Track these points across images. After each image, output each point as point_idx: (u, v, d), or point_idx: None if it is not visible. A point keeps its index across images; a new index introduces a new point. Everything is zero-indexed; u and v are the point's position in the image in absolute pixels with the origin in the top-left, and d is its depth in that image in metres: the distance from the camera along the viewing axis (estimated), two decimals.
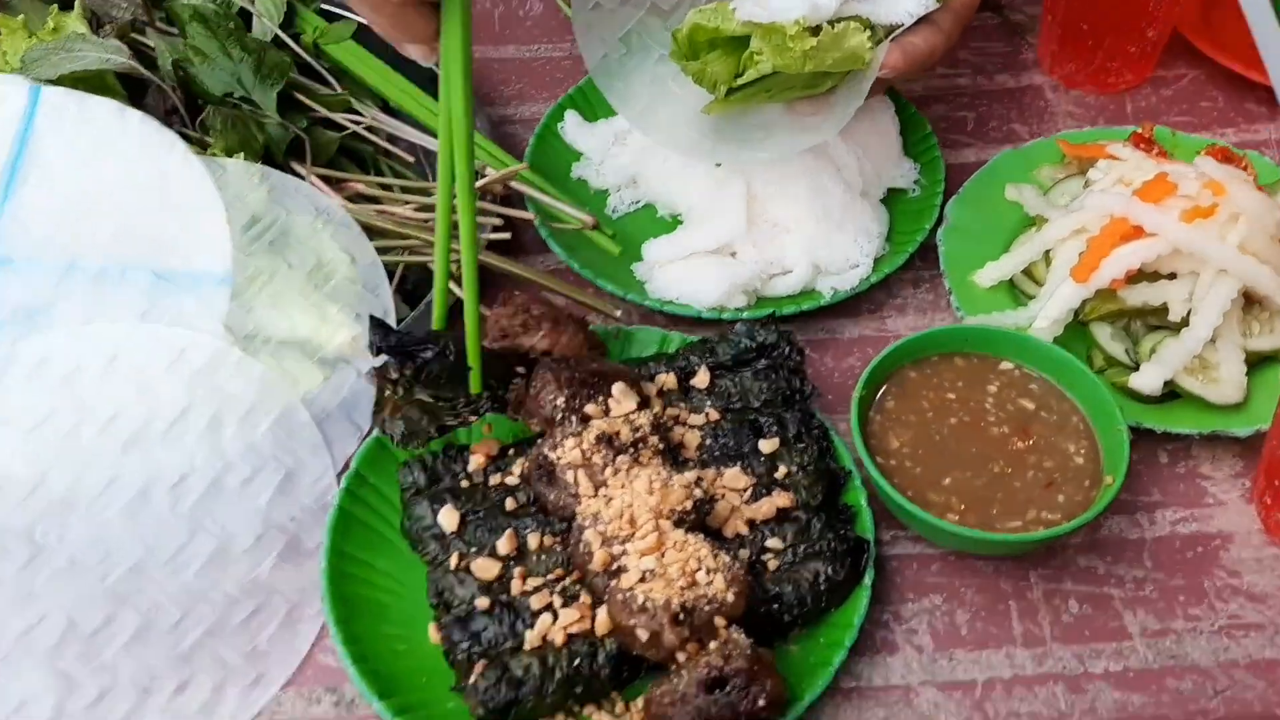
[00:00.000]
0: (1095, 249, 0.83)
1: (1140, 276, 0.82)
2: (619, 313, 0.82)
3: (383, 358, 0.73)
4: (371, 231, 0.86)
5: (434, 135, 0.94)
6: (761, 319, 0.80)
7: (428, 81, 1.00)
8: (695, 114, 0.86)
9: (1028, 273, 0.87)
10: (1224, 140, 1.00)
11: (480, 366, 0.73)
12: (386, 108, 0.99)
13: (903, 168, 0.95)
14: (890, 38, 0.82)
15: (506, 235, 0.87)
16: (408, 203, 0.89)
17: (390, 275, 0.86)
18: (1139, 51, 1.00)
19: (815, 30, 0.79)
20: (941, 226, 0.91)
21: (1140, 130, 0.95)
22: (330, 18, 1.05)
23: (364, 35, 1.03)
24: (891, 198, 0.94)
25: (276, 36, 0.97)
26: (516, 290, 0.82)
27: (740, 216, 0.87)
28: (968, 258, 0.89)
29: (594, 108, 1.01)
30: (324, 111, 0.93)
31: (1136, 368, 0.81)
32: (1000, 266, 0.87)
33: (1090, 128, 1.01)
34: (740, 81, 0.80)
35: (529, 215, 0.88)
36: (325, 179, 0.90)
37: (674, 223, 0.94)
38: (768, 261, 0.87)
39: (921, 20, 0.83)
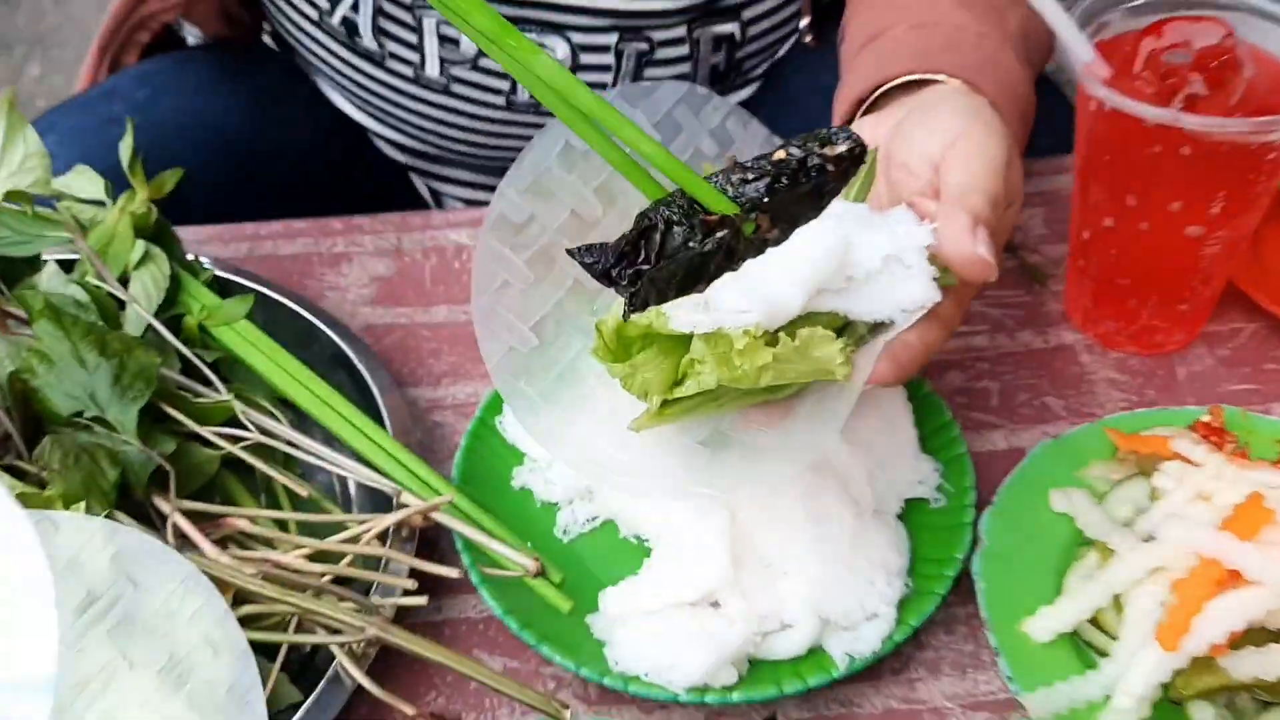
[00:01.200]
0: (1184, 602, 0.64)
1: (1247, 636, 0.64)
2: (568, 714, 0.63)
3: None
4: (247, 598, 0.67)
5: (354, 456, 0.76)
6: None
7: (347, 376, 0.83)
8: (624, 429, 0.65)
9: (1095, 620, 0.69)
10: None
11: None
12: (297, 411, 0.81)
13: (921, 470, 0.77)
14: (875, 340, 0.64)
15: (421, 600, 0.68)
16: (300, 547, 0.70)
17: (272, 656, 0.66)
18: (1190, 311, 0.84)
19: (773, 339, 0.61)
20: (977, 551, 0.72)
21: (1207, 417, 0.78)
22: (226, 289, 0.88)
23: (266, 314, 0.86)
24: (910, 511, 0.76)
25: (150, 326, 0.79)
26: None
27: (723, 560, 0.69)
28: (1014, 594, 0.70)
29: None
30: (193, 427, 0.75)
31: None
32: (1058, 615, 0.68)
33: (1138, 404, 0.84)
34: (679, 393, 0.61)
35: (453, 573, 0.68)
36: (196, 515, 0.71)
37: (640, 549, 0.75)
38: (761, 616, 0.68)
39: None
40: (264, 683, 0.66)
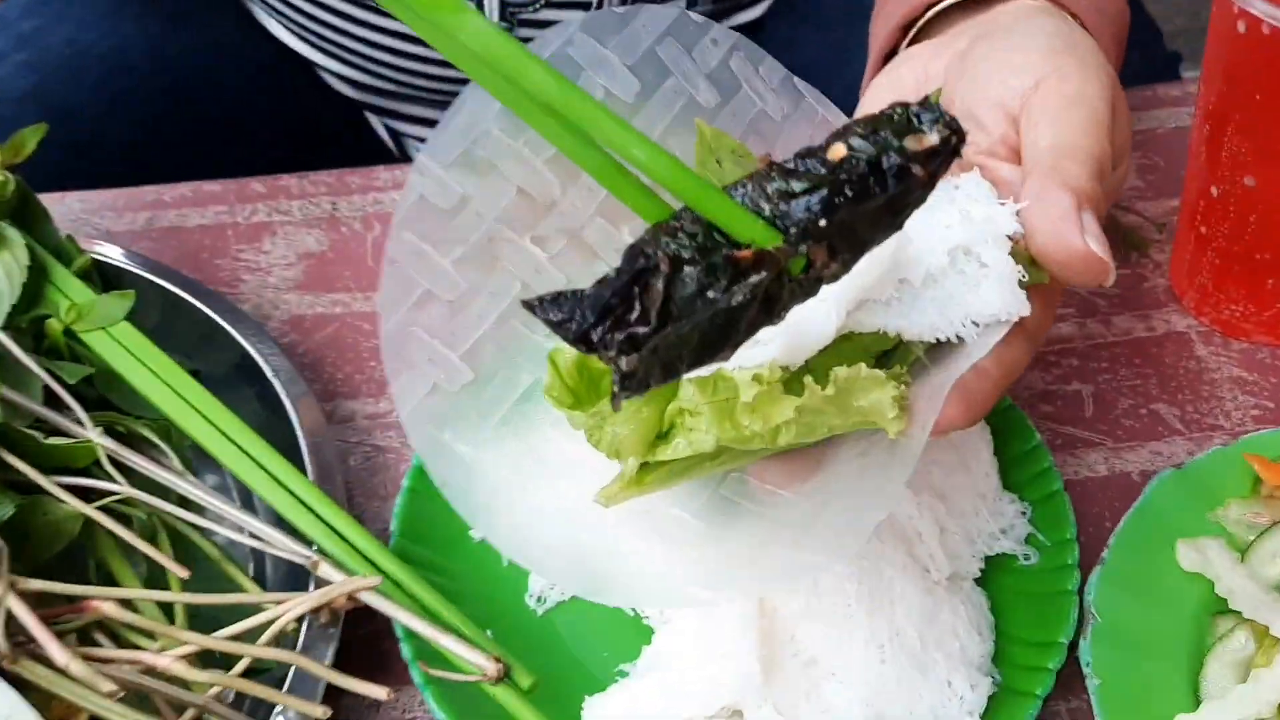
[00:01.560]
0: None
1: None
2: None
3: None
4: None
5: (265, 512, 0.58)
6: None
7: (257, 393, 0.65)
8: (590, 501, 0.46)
9: None
10: None
11: None
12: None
13: (1004, 516, 0.59)
14: (942, 371, 0.45)
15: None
16: (183, 645, 0.52)
17: None
18: None
19: (797, 382, 0.42)
20: (1086, 630, 0.54)
21: None
22: (110, 282, 0.69)
23: (161, 310, 0.67)
24: (992, 572, 0.58)
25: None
26: None
27: (749, 658, 0.51)
28: (1137, 690, 0.53)
29: None
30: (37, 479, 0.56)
31: None
32: None
33: (1277, 414, 0.66)
34: (663, 455, 0.43)
35: (380, 694, 0.50)
36: (45, 598, 0.53)
37: (639, 626, 0.57)
38: None
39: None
40: None
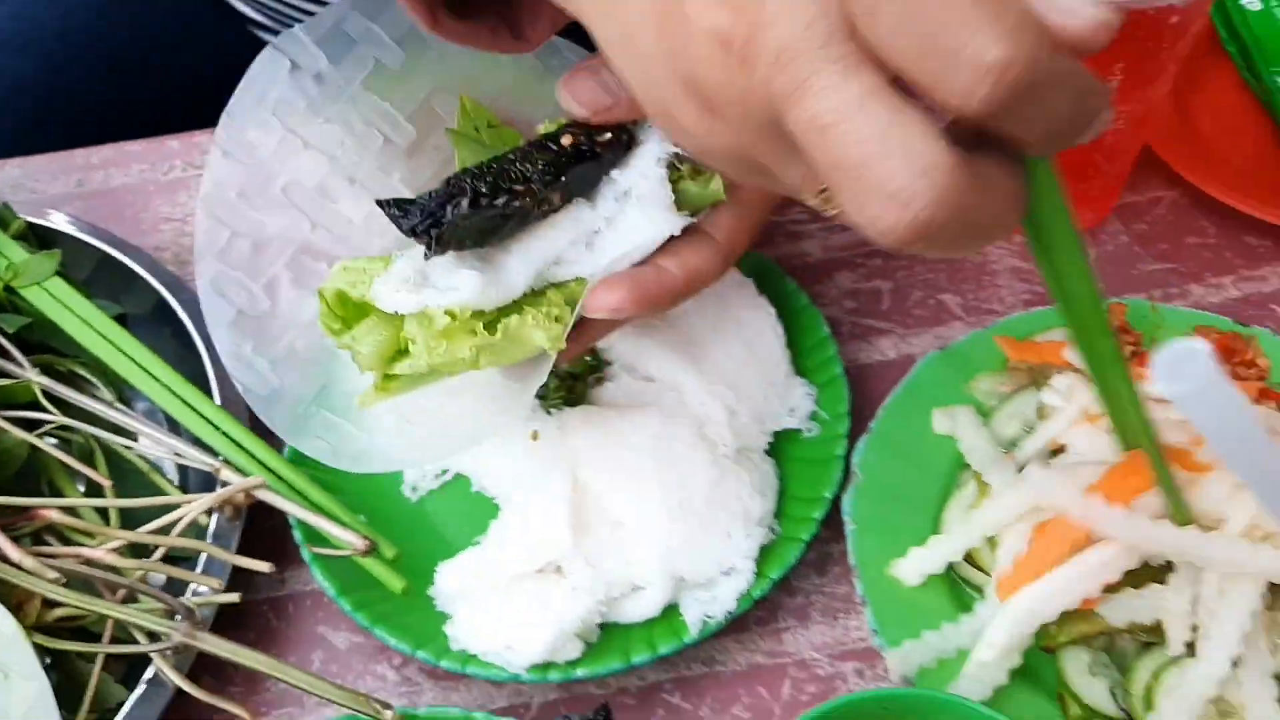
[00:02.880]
0: (1036, 554, 0.59)
1: (1125, 579, 0.58)
2: (389, 715, 0.58)
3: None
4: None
5: (185, 434, 0.70)
6: (589, 715, 0.56)
7: (173, 332, 0.76)
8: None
9: (971, 558, 0.63)
10: (1222, 295, 0.75)
11: None
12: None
13: (793, 397, 0.70)
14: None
15: (234, 598, 0.63)
16: (114, 540, 0.65)
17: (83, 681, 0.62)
18: (1098, 187, 0.76)
19: (489, 323, 0.54)
20: (850, 486, 0.66)
21: None
22: (46, 240, 0.80)
23: (92, 264, 0.78)
24: (782, 444, 0.70)
25: None
26: None
27: (564, 525, 0.63)
28: (889, 534, 0.65)
29: None
30: None
31: None
32: (929, 557, 0.63)
33: (1045, 297, 0.76)
34: (397, 370, 0.55)
35: (263, 567, 0.63)
36: (2, 509, 0.66)
37: (493, 508, 0.69)
38: (610, 582, 0.63)
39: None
40: (85, 686, 0.63)
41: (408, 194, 0.60)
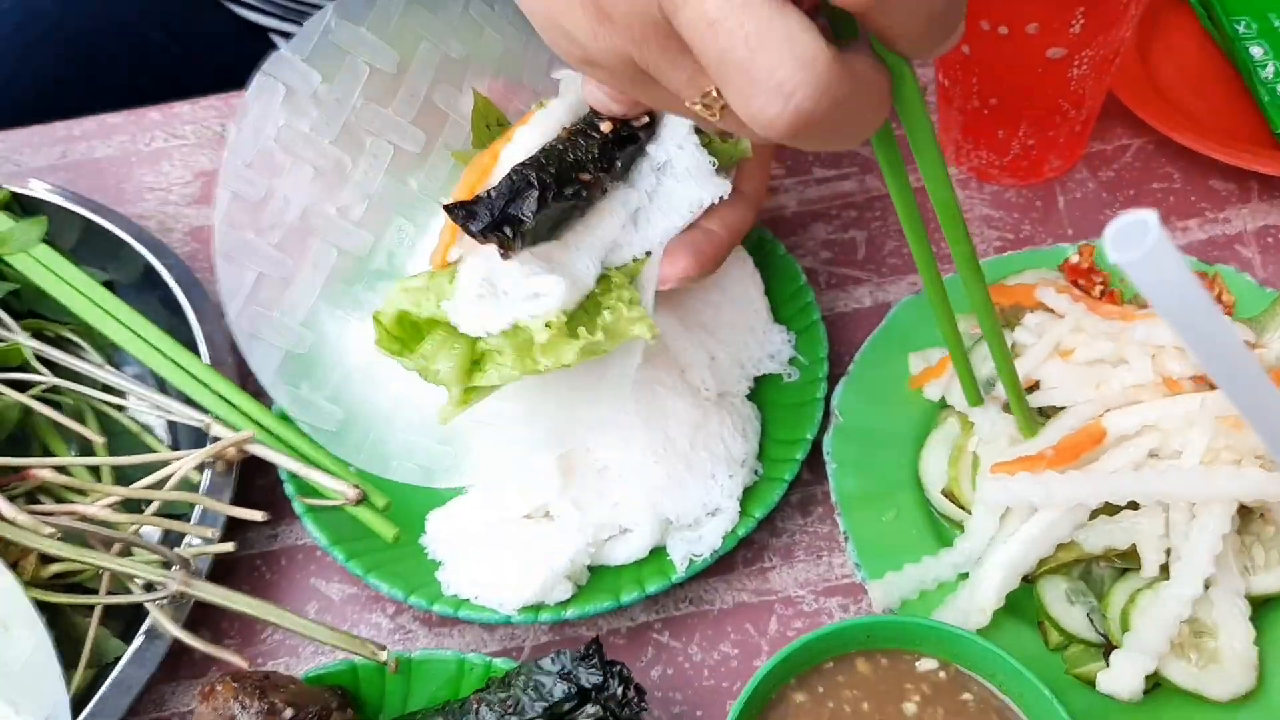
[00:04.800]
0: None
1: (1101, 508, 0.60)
2: (384, 656, 0.59)
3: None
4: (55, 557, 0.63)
5: (175, 394, 0.71)
6: (581, 651, 0.57)
7: (159, 296, 0.77)
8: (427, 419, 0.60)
9: (950, 494, 0.65)
10: (1189, 238, 0.77)
11: None
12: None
13: (772, 343, 0.72)
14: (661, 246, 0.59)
15: (228, 548, 0.64)
16: (108, 496, 0.66)
17: (80, 635, 0.63)
18: (1065, 134, 0.77)
19: (574, 326, 0.55)
20: (829, 428, 0.68)
21: (1075, 257, 0.72)
22: (31, 210, 0.80)
23: (77, 232, 0.79)
24: (763, 389, 0.71)
25: None
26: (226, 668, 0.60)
27: (551, 471, 0.64)
28: (870, 472, 0.67)
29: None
30: None
31: (1106, 645, 0.59)
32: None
33: (1015, 242, 0.78)
34: (478, 383, 0.55)
35: (257, 516, 0.64)
36: None
37: None
38: (597, 524, 0.64)
39: None
40: (83, 640, 0.64)
41: (424, 200, 0.61)
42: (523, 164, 0.54)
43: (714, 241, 0.60)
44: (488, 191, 0.53)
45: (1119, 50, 0.71)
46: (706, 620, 0.65)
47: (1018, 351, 0.67)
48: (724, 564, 0.66)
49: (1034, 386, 0.66)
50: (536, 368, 0.54)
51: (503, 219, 0.52)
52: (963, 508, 0.64)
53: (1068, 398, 0.63)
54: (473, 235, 0.52)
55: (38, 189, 0.82)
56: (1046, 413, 0.65)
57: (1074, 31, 0.67)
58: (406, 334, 0.56)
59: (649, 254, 0.58)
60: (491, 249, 0.52)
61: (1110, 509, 0.60)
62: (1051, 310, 0.68)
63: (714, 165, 0.57)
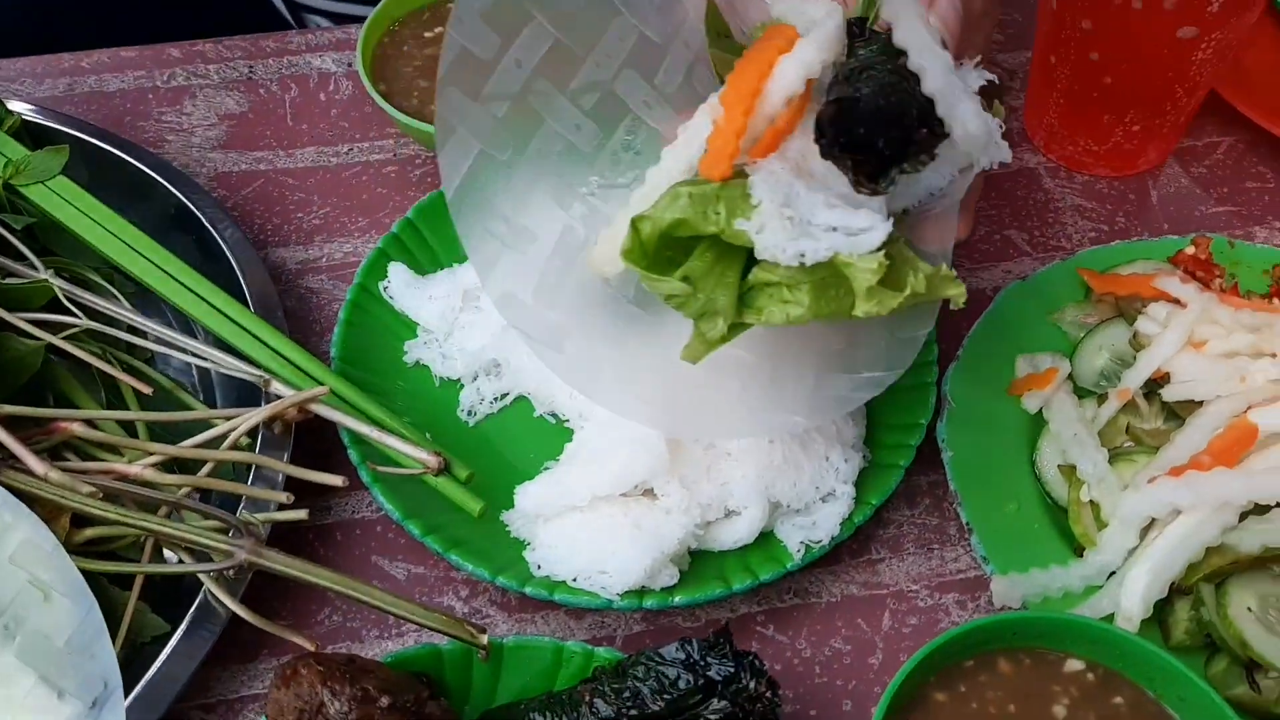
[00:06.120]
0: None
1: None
2: (485, 640, 0.53)
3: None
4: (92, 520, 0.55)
5: (212, 339, 0.63)
6: (710, 640, 0.52)
7: (194, 239, 0.69)
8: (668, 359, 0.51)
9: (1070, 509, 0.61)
10: None
11: None
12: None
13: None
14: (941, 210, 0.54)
15: (301, 514, 0.57)
16: (151, 455, 0.58)
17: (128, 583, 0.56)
18: (1170, 123, 0.74)
19: (897, 279, 0.49)
20: (943, 414, 0.64)
21: (1192, 249, 0.69)
22: (42, 138, 0.72)
23: (91, 167, 0.70)
24: None
25: None
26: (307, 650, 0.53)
27: (658, 443, 0.59)
28: (985, 461, 0.62)
29: (432, 252, 0.71)
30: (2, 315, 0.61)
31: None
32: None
33: (1109, 234, 0.75)
34: (750, 320, 0.48)
35: (335, 481, 0.57)
36: (17, 421, 0.58)
37: (560, 430, 0.65)
38: (703, 505, 0.59)
39: None
40: (120, 615, 0.56)
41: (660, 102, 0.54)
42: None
43: (974, 197, 0.57)
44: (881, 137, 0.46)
45: (1243, 37, 0.68)
46: (814, 614, 0.60)
47: (1142, 342, 0.64)
48: (829, 555, 0.61)
49: (1164, 378, 0.62)
50: (841, 310, 0.47)
51: (892, 159, 0.46)
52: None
53: (1209, 391, 0.60)
54: (860, 168, 0.46)
55: (41, 115, 0.73)
56: (1175, 409, 0.61)
57: (1211, 10, 0.64)
58: (661, 256, 0.48)
59: (906, 210, 0.53)
60: (790, 163, 0.46)
61: (1260, 508, 0.56)
62: (1175, 300, 0.65)
63: (1002, 127, 0.51)
